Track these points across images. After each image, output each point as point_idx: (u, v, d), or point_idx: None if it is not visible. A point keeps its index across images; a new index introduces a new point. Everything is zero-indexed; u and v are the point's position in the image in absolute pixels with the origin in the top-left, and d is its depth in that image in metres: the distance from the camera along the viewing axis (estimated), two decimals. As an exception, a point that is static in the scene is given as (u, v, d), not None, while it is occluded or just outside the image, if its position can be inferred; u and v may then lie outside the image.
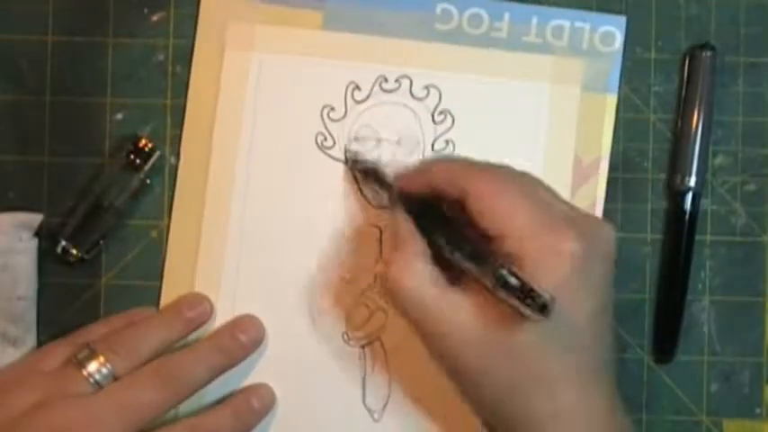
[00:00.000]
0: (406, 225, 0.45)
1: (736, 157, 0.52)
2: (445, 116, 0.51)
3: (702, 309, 0.52)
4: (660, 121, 0.52)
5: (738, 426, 0.52)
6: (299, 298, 0.51)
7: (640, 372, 0.52)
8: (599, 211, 0.51)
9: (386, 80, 0.51)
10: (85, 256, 0.51)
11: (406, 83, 0.51)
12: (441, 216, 0.45)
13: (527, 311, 0.38)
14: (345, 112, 0.51)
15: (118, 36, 0.52)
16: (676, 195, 0.51)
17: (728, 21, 0.52)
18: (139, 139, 0.51)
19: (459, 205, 0.44)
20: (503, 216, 0.42)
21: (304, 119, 0.51)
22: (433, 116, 0.51)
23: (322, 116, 0.51)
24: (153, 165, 0.51)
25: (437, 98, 0.51)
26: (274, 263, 0.51)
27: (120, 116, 0.52)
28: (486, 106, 0.51)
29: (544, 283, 0.39)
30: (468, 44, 0.51)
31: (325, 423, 0.51)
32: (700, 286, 0.52)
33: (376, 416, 0.51)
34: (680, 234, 0.51)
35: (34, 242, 0.50)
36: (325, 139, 0.51)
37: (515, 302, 0.38)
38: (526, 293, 0.38)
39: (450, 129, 0.51)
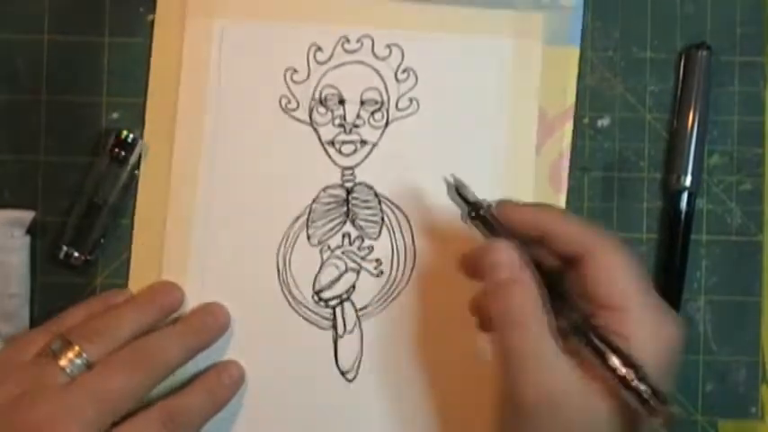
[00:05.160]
0: (532, 295, 0.41)
1: (732, 157, 0.52)
2: (408, 74, 0.52)
3: (698, 308, 0.52)
4: (656, 121, 0.52)
5: (734, 425, 0.51)
6: (268, 261, 0.51)
7: (636, 371, 0.52)
8: (565, 167, 0.51)
9: (348, 41, 0.52)
10: (89, 258, 0.51)
11: (368, 42, 0.52)
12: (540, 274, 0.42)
13: (654, 421, 0.38)
14: (308, 73, 0.52)
15: (113, 35, 0.52)
16: (672, 195, 0.51)
17: (724, 20, 0.52)
18: (120, 132, 0.51)
19: (567, 264, 0.42)
20: (620, 289, 0.41)
21: (267, 82, 0.52)
22: (396, 75, 0.52)
23: (285, 79, 0.52)
24: (140, 155, 0.51)
25: (399, 57, 0.52)
26: (243, 226, 0.51)
27: (115, 115, 0.52)
28: (448, 63, 0.52)
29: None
30: (429, 1, 0.52)
31: (298, 387, 0.51)
32: (695, 286, 0.52)
33: (349, 376, 0.51)
34: (675, 234, 0.51)
35: (26, 239, 0.50)
36: (289, 101, 0.52)
37: (640, 408, 0.38)
38: (651, 399, 0.38)
39: (413, 87, 0.52)
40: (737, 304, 0.52)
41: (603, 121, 0.52)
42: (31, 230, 0.51)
